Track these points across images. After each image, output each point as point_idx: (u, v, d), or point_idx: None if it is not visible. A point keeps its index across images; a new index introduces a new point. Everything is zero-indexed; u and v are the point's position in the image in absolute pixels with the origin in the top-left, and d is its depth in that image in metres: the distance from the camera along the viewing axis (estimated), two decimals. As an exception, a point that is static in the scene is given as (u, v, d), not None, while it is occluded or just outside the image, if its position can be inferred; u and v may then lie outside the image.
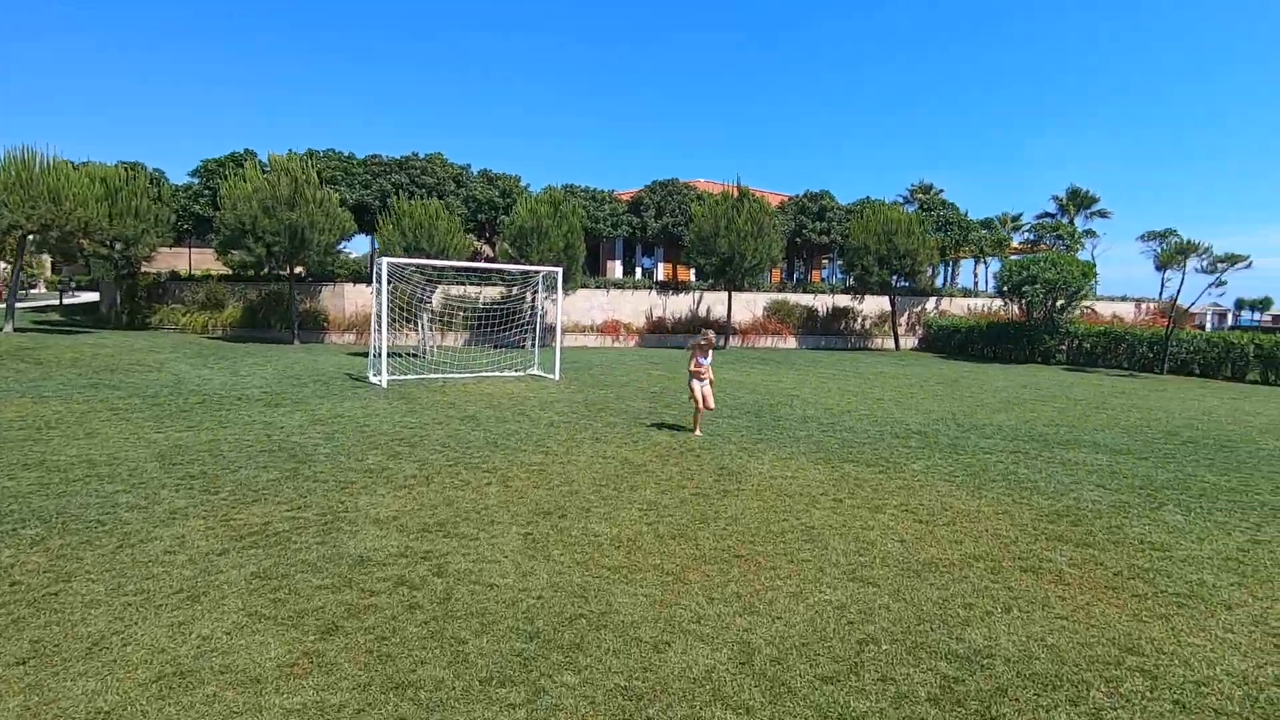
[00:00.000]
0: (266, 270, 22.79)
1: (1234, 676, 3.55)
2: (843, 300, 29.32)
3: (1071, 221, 41.48)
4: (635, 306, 26.86)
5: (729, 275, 24.61)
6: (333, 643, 3.61)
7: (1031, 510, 6.33)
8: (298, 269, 22.41)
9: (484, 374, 15.14)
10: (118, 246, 21.98)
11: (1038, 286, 23.45)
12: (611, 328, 25.64)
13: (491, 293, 23.75)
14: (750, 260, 24.10)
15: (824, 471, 7.50)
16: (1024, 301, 24.75)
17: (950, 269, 39.70)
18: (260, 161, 22.71)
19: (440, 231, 18.97)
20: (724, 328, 26.65)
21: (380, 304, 13.72)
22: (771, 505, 6.23)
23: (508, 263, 20.85)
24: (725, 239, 23.83)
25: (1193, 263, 21.01)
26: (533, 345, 17.29)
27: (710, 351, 9.37)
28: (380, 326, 13.59)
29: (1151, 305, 33.85)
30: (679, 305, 27.52)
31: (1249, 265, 20.41)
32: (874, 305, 29.44)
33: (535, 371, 15.58)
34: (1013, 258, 30.80)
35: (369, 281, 22.39)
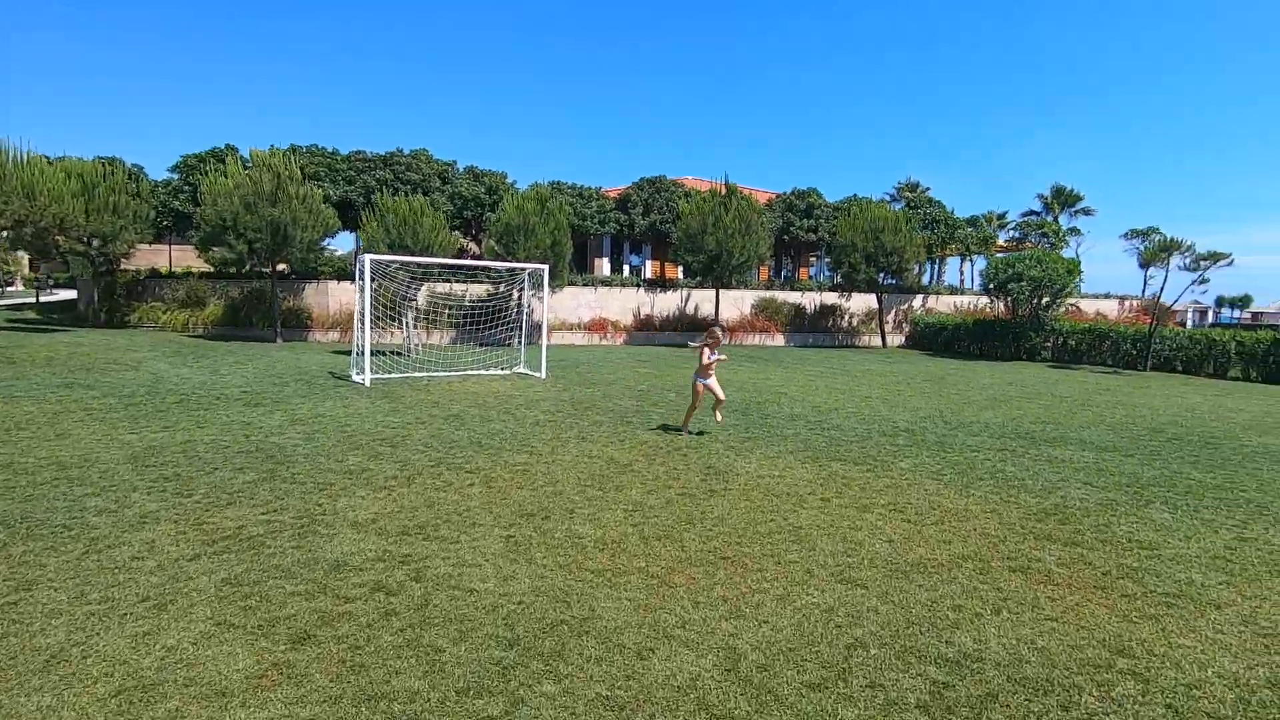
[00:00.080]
0: (249, 267, 22.45)
1: (1225, 679, 3.50)
2: (830, 298, 29.35)
3: (1056, 219, 41.81)
4: (623, 304, 26.74)
5: (717, 273, 24.56)
6: (304, 652, 3.48)
7: (1019, 509, 6.29)
8: (280, 266, 22.09)
9: (469, 372, 14.97)
10: (95, 243, 21.55)
11: (1023, 284, 23.57)
12: (599, 325, 25.50)
13: (478, 290, 23.55)
14: (738, 258, 24.06)
15: (812, 470, 7.43)
16: (1009, 299, 24.87)
17: (936, 267, 39.89)
18: (242, 157, 22.34)
19: (425, 228, 18.76)
20: (714, 323, 26.59)
21: (363, 302, 13.52)
22: (759, 505, 6.15)
23: (494, 260, 20.67)
24: (713, 236, 23.77)
25: (1176, 260, 21.18)
26: (519, 343, 17.13)
27: (717, 350, 9.30)
28: (363, 324, 13.39)
29: (1135, 302, 34.17)
30: (667, 303, 27.43)
31: (1231, 263, 20.60)
32: (861, 303, 29.50)
33: (521, 370, 15.43)
34: (998, 255, 30.97)
35: (353, 279, 22.12)
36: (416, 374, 14.28)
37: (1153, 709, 3.23)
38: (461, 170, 28.01)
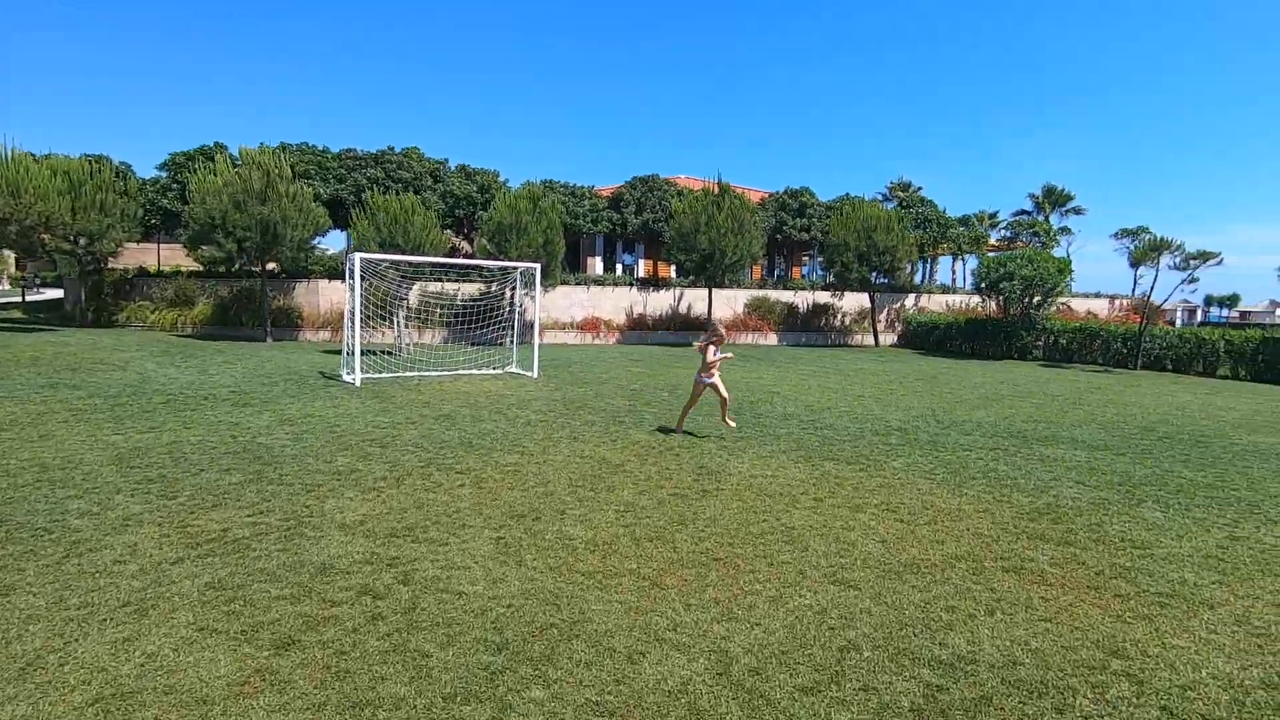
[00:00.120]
0: (238, 266, 22.26)
1: (1220, 680, 3.48)
2: (823, 297, 29.37)
3: (1047, 219, 41.98)
4: (615, 303, 26.67)
5: (710, 272, 24.52)
6: (288, 658, 3.42)
7: (1012, 508, 6.27)
8: (270, 265, 21.91)
9: (461, 372, 14.88)
10: (82, 242, 21.31)
11: (1015, 283, 23.65)
12: (591, 325, 25.43)
13: (470, 289, 23.43)
14: (731, 257, 24.03)
15: (804, 470, 7.39)
16: (1001, 298, 24.96)
17: (929, 266, 39.99)
18: (231, 155, 22.14)
19: (416, 227, 18.63)
20: (706, 323, 26.55)
21: (353, 301, 13.41)
22: (751, 506, 6.11)
23: (486, 259, 20.57)
24: (706, 235, 23.73)
25: (1166, 260, 21.28)
26: (511, 342, 17.04)
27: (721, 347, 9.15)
28: (353, 324, 13.29)
29: (1125, 302, 34.34)
30: (660, 302, 27.37)
31: (1220, 262, 20.73)
32: (854, 302, 29.54)
33: (513, 369, 15.35)
34: (990, 255, 31.08)
35: (344, 278, 21.99)
36: (408, 374, 14.18)
37: (1148, 711, 3.20)
38: (453, 169, 27.86)
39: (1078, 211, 43.04)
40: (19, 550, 4.63)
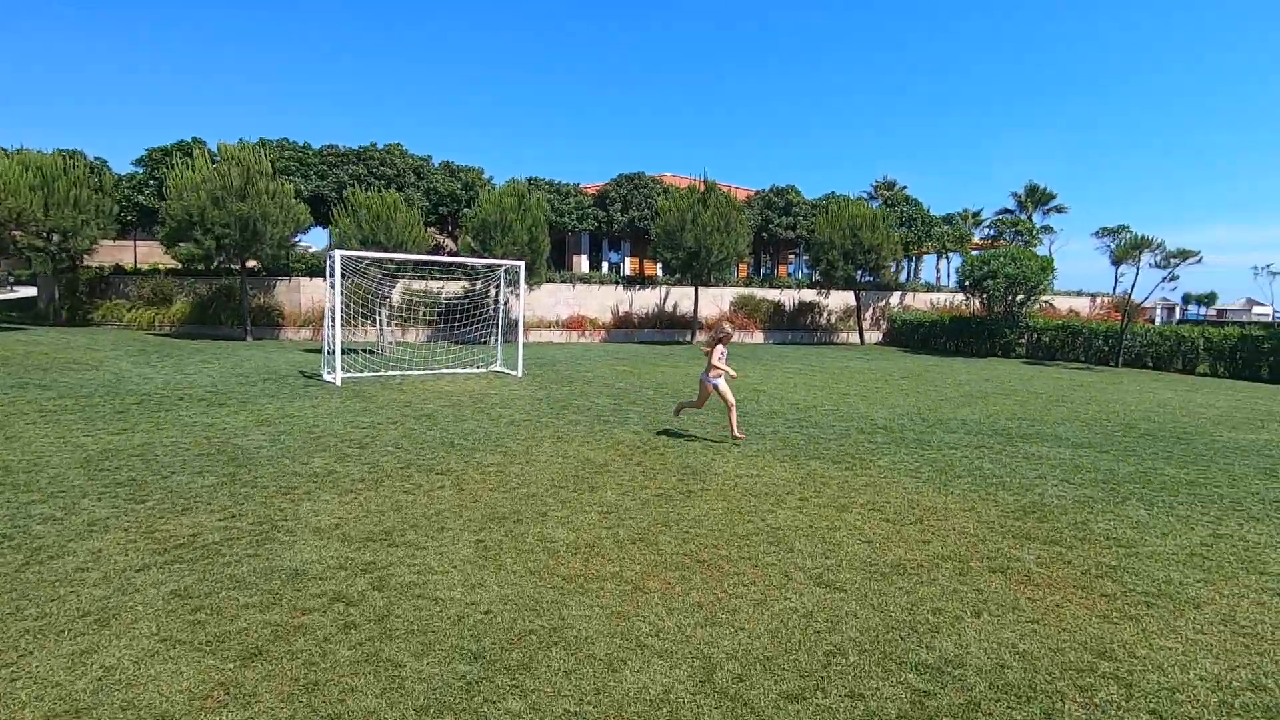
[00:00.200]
0: (217, 264, 21.89)
1: (1208, 681, 3.44)
2: (809, 295, 29.42)
3: (1030, 217, 42.36)
4: (601, 301, 26.54)
5: (696, 270, 24.47)
6: (254, 670, 3.28)
7: (998, 507, 6.24)
8: (250, 263, 21.57)
9: (444, 371, 14.71)
10: (55, 239, 20.87)
11: (998, 281, 23.80)
12: (577, 323, 25.29)
13: (454, 287, 23.21)
14: (717, 255, 23.99)
15: (790, 469, 7.33)
16: (985, 296, 25.11)
17: (913, 264, 40.21)
18: (209, 151, 21.76)
19: (398, 224, 18.41)
20: (691, 322, 26.51)
21: (334, 299, 13.19)
22: (736, 506, 6.03)
23: (470, 256, 20.36)
24: (692, 233, 23.68)
25: (1146, 258, 21.49)
26: (496, 341, 16.88)
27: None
28: (333, 322, 13.08)
29: (1106, 300, 34.71)
30: (646, 300, 27.28)
31: (1199, 260, 20.95)
32: (839, 300, 29.62)
33: (498, 368, 15.19)
34: (974, 253, 31.31)
35: (325, 275, 21.70)
36: (390, 373, 13.99)
37: (1136, 716, 3.15)
38: (437, 165, 27.60)
39: (1060, 210, 43.50)
40: (-24, 558, 4.45)
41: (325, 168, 25.34)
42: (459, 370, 14.83)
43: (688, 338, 26.14)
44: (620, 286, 27.17)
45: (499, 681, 3.25)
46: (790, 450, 8.22)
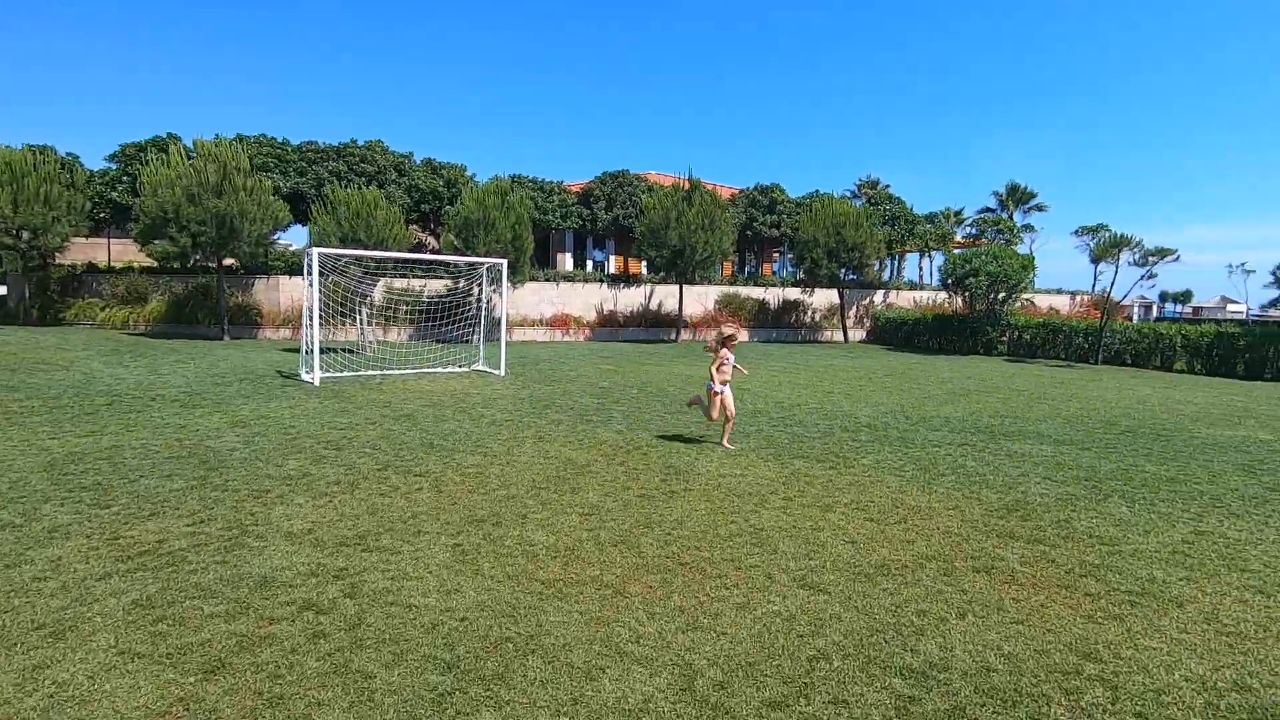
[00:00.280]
0: (193, 262, 21.49)
1: (1193, 682, 3.41)
2: (793, 293, 29.46)
3: (1011, 216, 42.77)
4: (585, 300, 26.40)
5: (680, 268, 24.40)
6: (216, 683, 3.15)
7: (981, 505, 6.21)
8: (228, 260, 21.20)
9: (426, 370, 14.51)
10: (25, 236, 20.37)
11: (980, 279, 23.95)
12: (561, 322, 25.13)
13: (436, 286, 22.97)
14: (701, 253, 23.94)
15: (774, 468, 7.27)
16: (967, 294, 25.27)
17: (896, 262, 40.45)
18: (185, 147, 21.35)
19: (378, 221, 18.16)
20: (676, 320, 26.44)
21: (311, 297, 12.96)
22: (719, 506, 5.95)
23: (452, 254, 20.14)
24: (676, 231, 23.60)
25: (1125, 256, 21.72)
26: (478, 340, 16.70)
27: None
28: (311, 321, 12.84)
29: (1085, 297, 35.12)
30: (630, 298, 27.17)
31: (1177, 258, 21.23)
32: (824, 298, 29.69)
33: (480, 367, 15.03)
34: (956, 251, 31.51)
35: (305, 273, 21.38)
36: (370, 372, 13.78)
37: (1122, 719, 3.10)
38: (419, 162, 27.31)
39: (1040, 209, 43.97)
40: (-73, 568, 4.26)
41: (304, 164, 24.97)
42: (441, 370, 14.65)
43: (672, 336, 26.08)
44: (605, 285, 27.04)
45: (473, 692, 3.14)
46: (774, 449, 8.16)
